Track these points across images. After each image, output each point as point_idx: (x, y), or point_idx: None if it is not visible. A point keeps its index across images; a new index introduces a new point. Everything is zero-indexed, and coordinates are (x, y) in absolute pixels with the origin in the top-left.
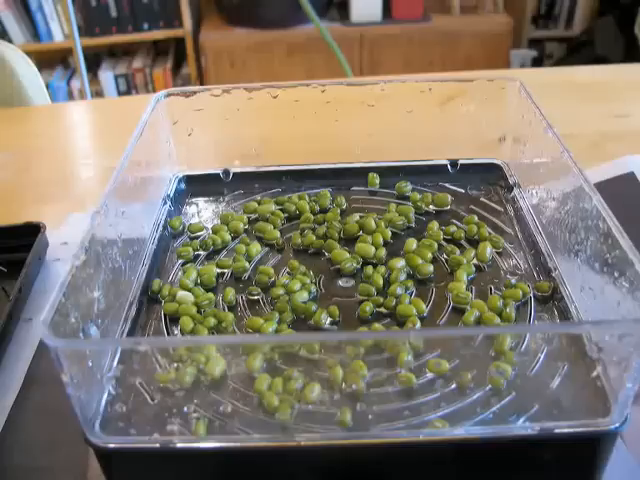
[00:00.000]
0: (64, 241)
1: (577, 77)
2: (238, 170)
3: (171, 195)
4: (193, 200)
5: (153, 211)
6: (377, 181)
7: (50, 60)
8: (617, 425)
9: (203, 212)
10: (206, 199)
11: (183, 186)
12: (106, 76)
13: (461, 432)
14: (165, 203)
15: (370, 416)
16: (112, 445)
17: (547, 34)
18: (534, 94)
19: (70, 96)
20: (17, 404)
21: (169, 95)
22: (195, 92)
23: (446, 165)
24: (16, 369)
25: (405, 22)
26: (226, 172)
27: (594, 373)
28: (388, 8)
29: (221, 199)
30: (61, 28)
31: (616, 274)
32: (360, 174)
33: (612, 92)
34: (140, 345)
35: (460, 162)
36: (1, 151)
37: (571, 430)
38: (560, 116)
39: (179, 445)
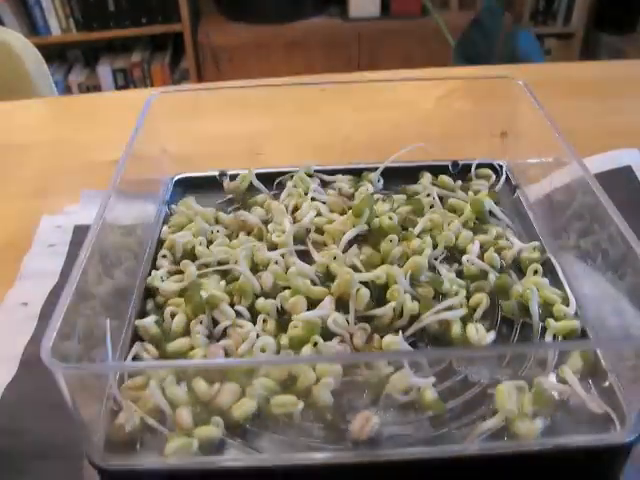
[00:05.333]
0: (58, 224)
1: (573, 73)
2: (235, 172)
3: (167, 198)
4: (189, 202)
5: (150, 214)
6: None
7: (48, 54)
8: (632, 438)
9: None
10: (202, 201)
11: (179, 188)
12: (104, 70)
13: (474, 447)
14: (162, 205)
15: (381, 433)
16: (116, 466)
17: (546, 30)
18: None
19: (68, 90)
20: (11, 389)
21: (163, 94)
22: (189, 90)
23: (447, 165)
24: (11, 354)
25: (403, 18)
26: (222, 174)
27: (606, 384)
28: (386, 4)
29: (217, 202)
30: (59, 22)
31: (621, 274)
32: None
33: (608, 88)
34: (148, 368)
35: (461, 163)
36: None
37: (585, 444)
38: (556, 111)
39: (183, 466)
